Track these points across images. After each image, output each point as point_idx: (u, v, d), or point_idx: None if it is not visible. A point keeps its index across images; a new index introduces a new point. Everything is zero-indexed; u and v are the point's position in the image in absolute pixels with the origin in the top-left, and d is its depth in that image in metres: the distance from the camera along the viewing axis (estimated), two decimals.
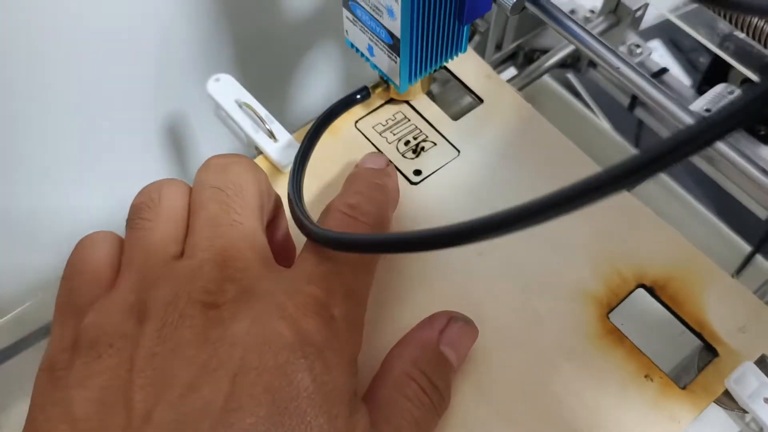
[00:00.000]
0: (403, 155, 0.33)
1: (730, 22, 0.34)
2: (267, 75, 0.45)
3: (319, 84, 0.48)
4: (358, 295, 0.24)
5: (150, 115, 0.41)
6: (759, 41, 0.31)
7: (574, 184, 0.16)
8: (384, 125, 0.34)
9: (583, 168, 0.33)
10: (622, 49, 0.43)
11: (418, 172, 0.33)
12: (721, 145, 0.34)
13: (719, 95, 0.39)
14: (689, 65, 0.67)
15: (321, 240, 0.24)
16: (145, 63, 0.38)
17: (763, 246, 0.46)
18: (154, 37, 0.37)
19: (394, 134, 0.34)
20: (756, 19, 0.33)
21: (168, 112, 0.42)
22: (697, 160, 0.43)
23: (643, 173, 0.15)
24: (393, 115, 0.34)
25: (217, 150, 0.38)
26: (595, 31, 0.42)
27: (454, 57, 0.32)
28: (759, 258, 0.47)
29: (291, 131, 0.33)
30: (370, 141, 0.34)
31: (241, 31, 0.41)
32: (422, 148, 0.33)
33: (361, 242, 0.23)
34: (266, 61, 0.44)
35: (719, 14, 0.35)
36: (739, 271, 0.48)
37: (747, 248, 0.48)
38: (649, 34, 0.48)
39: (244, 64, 0.43)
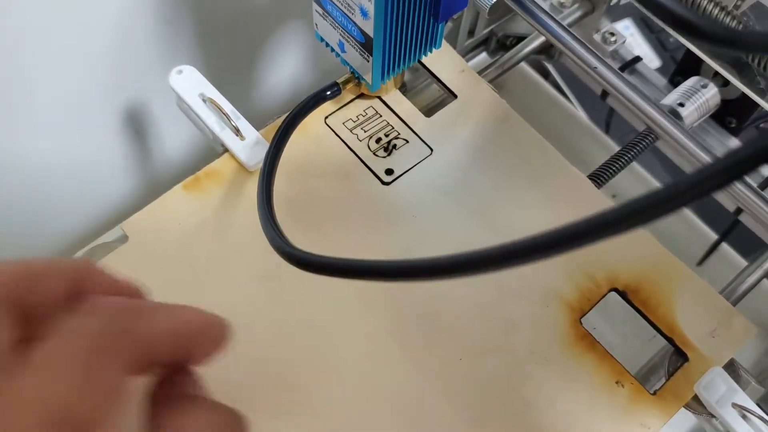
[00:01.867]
0: (374, 153, 0.32)
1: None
2: (234, 59, 0.43)
3: (287, 67, 0.47)
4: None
5: (109, 107, 0.39)
6: None
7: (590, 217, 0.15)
8: (355, 121, 0.33)
9: (559, 169, 0.32)
10: (596, 37, 0.43)
11: (389, 171, 0.32)
12: (687, 140, 0.33)
13: (692, 88, 0.39)
14: (659, 45, 0.67)
15: (301, 263, 0.23)
16: (104, 49, 0.36)
17: (729, 235, 0.47)
18: (113, 22, 0.35)
19: (365, 131, 0.33)
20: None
21: (129, 100, 0.40)
22: (665, 147, 0.43)
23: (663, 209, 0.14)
24: (364, 111, 0.33)
25: (181, 141, 0.37)
26: (569, 20, 0.41)
27: (428, 53, 0.31)
28: (725, 246, 0.48)
29: (258, 117, 0.32)
30: (340, 138, 0.33)
31: (207, 15, 0.39)
32: (394, 146, 0.33)
33: (345, 267, 0.22)
34: (233, 45, 0.42)
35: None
36: (704, 259, 0.48)
37: (713, 236, 0.48)
38: (620, 13, 0.47)
39: (210, 49, 0.41)
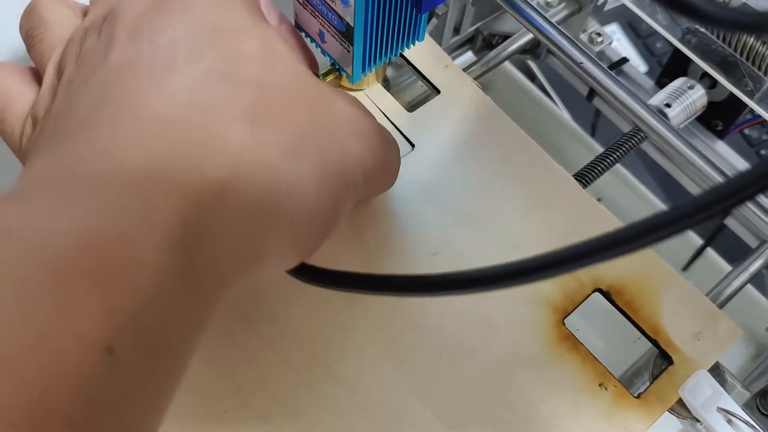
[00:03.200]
0: None
1: None
2: None
3: None
4: None
5: None
6: (718, 37, 0.30)
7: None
8: None
9: (544, 169, 0.32)
10: (583, 37, 0.42)
11: None
12: (676, 139, 0.33)
13: (678, 89, 0.39)
14: (646, 50, 0.66)
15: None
16: None
17: (714, 240, 0.46)
18: None
19: None
20: None
21: None
22: (651, 151, 0.43)
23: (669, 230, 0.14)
24: None
25: None
26: (555, 19, 0.41)
27: (411, 46, 0.31)
28: (710, 251, 0.47)
29: None
30: None
31: None
32: None
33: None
34: None
35: None
36: (689, 264, 0.48)
37: (698, 241, 0.48)
38: (606, 18, 0.47)
39: None
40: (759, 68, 0.28)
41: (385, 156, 0.25)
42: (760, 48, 0.27)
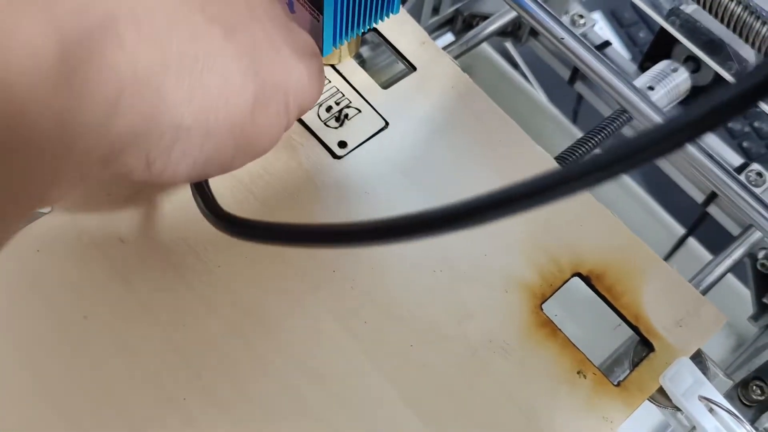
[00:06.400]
0: (325, 123, 0.30)
1: None
2: None
3: None
4: None
5: None
6: (711, 12, 0.29)
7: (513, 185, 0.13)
8: None
9: (522, 147, 0.30)
10: (565, 19, 0.41)
11: (343, 144, 0.30)
12: (662, 120, 0.32)
13: (662, 72, 0.38)
14: (629, 40, 0.65)
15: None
16: None
17: (697, 229, 0.45)
18: None
19: None
20: None
21: None
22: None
23: (600, 175, 0.12)
24: None
25: None
26: None
27: (385, 18, 0.29)
28: (692, 241, 0.47)
29: None
30: None
31: None
32: (346, 116, 0.30)
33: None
34: None
35: None
36: (671, 253, 0.47)
37: (681, 230, 0.47)
38: (590, 5, 0.46)
39: None
40: (747, 40, 0.27)
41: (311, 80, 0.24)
42: (748, 18, 0.26)
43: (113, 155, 0.18)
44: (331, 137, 0.30)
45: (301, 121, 0.30)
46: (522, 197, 0.14)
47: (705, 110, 0.12)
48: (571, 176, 0.13)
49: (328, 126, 0.30)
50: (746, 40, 0.27)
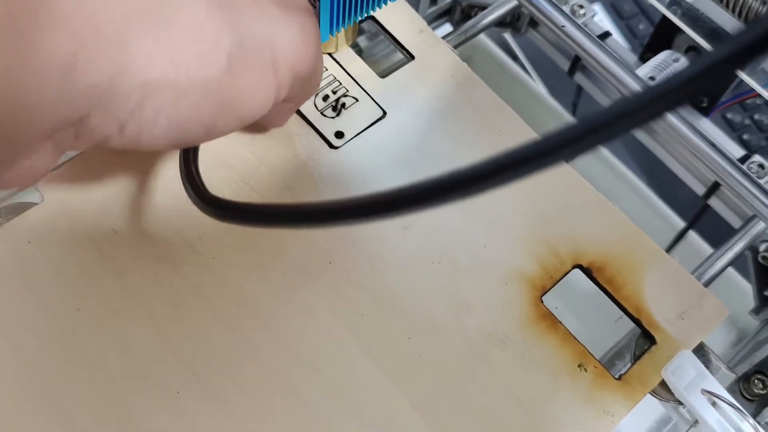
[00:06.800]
0: (322, 113, 0.30)
1: None
2: None
3: None
4: None
5: None
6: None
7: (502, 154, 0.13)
8: None
9: (522, 136, 0.30)
10: (565, 9, 0.41)
11: (340, 135, 0.29)
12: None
13: (664, 62, 0.37)
14: (629, 32, 0.65)
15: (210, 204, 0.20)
16: None
17: (697, 222, 0.45)
18: None
19: None
20: None
21: None
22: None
23: (580, 144, 0.12)
24: None
25: None
26: None
27: (383, 5, 0.29)
28: (692, 234, 0.46)
29: None
30: None
31: None
32: (343, 105, 0.30)
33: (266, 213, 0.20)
34: None
35: None
36: (671, 247, 0.47)
37: (681, 224, 0.47)
38: None
39: None
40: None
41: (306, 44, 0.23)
42: (754, 3, 0.26)
43: (80, 119, 0.17)
44: (328, 127, 0.29)
45: (297, 111, 0.29)
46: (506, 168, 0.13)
47: (684, 77, 0.12)
48: (561, 141, 0.13)
49: (324, 115, 0.29)
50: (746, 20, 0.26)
